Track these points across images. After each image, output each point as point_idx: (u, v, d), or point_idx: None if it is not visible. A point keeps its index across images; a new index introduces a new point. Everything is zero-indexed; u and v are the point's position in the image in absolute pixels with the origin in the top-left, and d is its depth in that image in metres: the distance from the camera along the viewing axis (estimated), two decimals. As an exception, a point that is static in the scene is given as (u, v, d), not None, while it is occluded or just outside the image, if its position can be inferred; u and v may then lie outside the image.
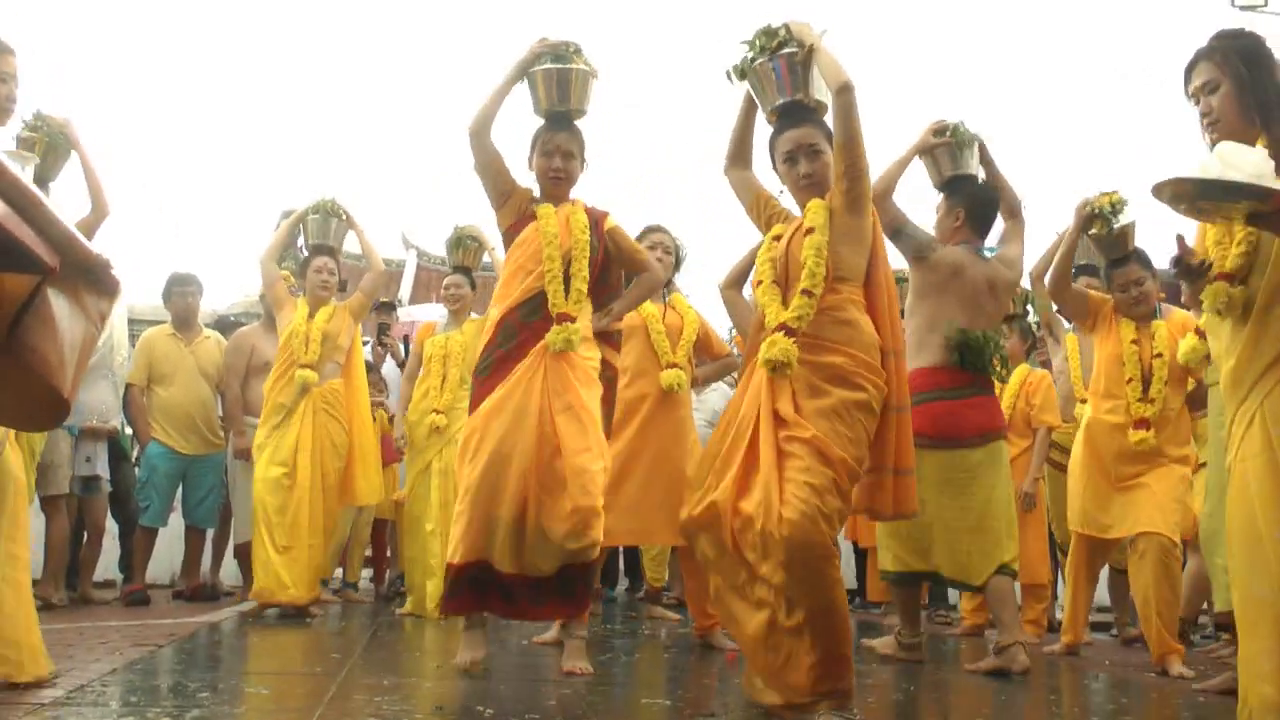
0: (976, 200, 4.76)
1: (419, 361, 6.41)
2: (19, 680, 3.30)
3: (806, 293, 3.23)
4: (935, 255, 4.62)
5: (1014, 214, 4.83)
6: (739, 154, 3.74)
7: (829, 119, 3.45)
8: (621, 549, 7.49)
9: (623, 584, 8.16)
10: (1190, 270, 2.94)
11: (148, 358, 6.89)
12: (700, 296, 5.42)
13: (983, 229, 4.78)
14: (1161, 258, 5.32)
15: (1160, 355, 4.82)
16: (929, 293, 4.60)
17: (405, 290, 19.60)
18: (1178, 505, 4.69)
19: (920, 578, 4.70)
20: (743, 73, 3.61)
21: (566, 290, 4.00)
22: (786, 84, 3.52)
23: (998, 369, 4.66)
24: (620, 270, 4.39)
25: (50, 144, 5.06)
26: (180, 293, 7.06)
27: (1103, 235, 4.92)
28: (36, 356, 1.71)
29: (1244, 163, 2.58)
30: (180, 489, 6.91)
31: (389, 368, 7.80)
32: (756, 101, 3.65)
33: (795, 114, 3.53)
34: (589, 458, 3.83)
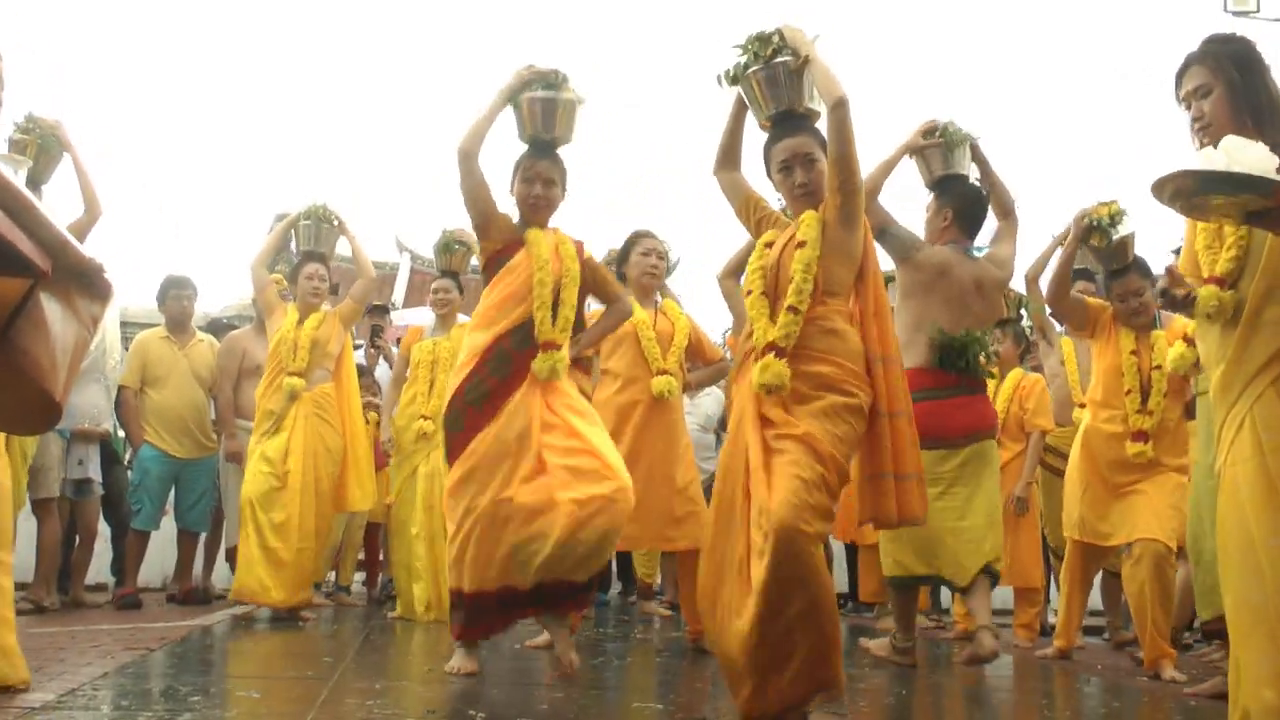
0: (965, 200, 4.76)
1: (405, 366, 6.41)
2: None
3: (792, 309, 3.25)
4: (920, 255, 4.61)
5: (1007, 213, 4.82)
6: (728, 156, 3.74)
7: (822, 125, 3.45)
8: (614, 553, 7.48)
9: (615, 588, 8.16)
10: (1175, 302, 2.96)
11: (141, 360, 6.88)
12: (700, 295, 5.42)
13: (972, 228, 4.77)
14: (1161, 259, 5.34)
15: (1159, 367, 4.81)
16: (914, 292, 4.59)
17: (399, 293, 19.64)
18: (1174, 512, 4.68)
19: (920, 581, 4.70)
20: (734, 78, 3.61)
21: (554, 318, 4.01)
22: (781, 93, 3.52)
23: (985, 368, 4.64)
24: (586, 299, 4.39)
25: (42, 146, 5.06)
26: (176, 296, 7.05)
27: (1102, 247, 4.92)
28: (28, 360, 1.71)
29: (1247, 157, 2.56)
30: (173, 492, 6.89)
31: (382, 370, 7.79)
32: (749, 107, 3.65)
33: (789, 122, 3.53)
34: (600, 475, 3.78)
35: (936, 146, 4.76)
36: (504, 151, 4.21)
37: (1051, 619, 6.31)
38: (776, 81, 3.52)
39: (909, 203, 4.93)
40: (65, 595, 6.49)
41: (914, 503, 3.34)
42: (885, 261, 4.40)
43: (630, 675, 4.52)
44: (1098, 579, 5.77)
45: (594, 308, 4.66)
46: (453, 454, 3.93)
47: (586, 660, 4.53)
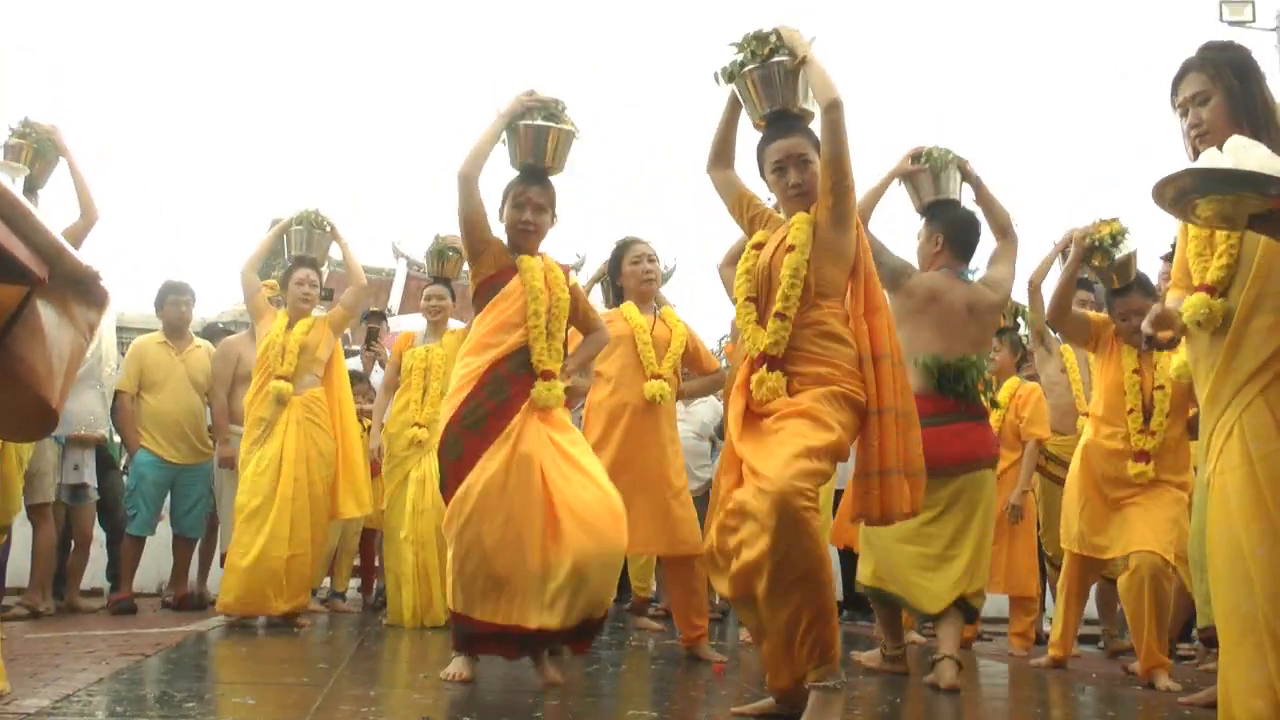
0: (955, 225, 4.74)
1: (396, 372, 6.41)
2: None
3: (780, 315, 3.29)
4: (910, 282, 4.59)
5: (1004, 233, 4.79)
6: (721, 154, 3.76)
7: (817, 126, 3.46)
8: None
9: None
10: (1156, 344, 2.97)
11: (138, 365, 6.87)
12: (700, 295, 5.41)
13: (964, 252, 4.74)
14: (1152, 264, 5.35)
15: (1162, 387, 4.78)
16: (905, 319, 4.54)
17: (395, 299, 19.64)
18: (1172, 525, 4.67)
19: (890, 598, 4.68)
20: (730, 77, 3.62)
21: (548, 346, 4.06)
22: (776, 93, 3.53)
23: (983, 393, 4.61)
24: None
25: (38, 151, 5.07)
26: (174, 301, 7.05)
27: (1104, 267, 4.92)
28: (25, 367, 1.71)
29: (1251, 157, 2.56)
30: (168, 498, 6.89)
31: (378, 376, 7.79)
32: (743, 105, 3.66)
33: (784, 123, 3.55)
34: (604, 504, 3.87)
35: (924, 172, 4.76)
36: (495, 177, 4.24)
37: (1046, 627, 6.32)
38: (772, 81, 3.53)
39: (900, 225, 4.94)
40: (60, 600, 6.49)
41: (895, 499, 3.33)
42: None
43: (625, 682, 4.52)
44: (1094, 587, 5.78)
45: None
46: (452, 481, 3.91)
47: (581, 667, 4.54)
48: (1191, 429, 4.86)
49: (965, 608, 4.44)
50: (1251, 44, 3.20)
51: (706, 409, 7.39)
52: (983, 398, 4.64)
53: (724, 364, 5.92)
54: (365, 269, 7.39)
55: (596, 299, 5.85)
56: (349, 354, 8.58)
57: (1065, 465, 5.40)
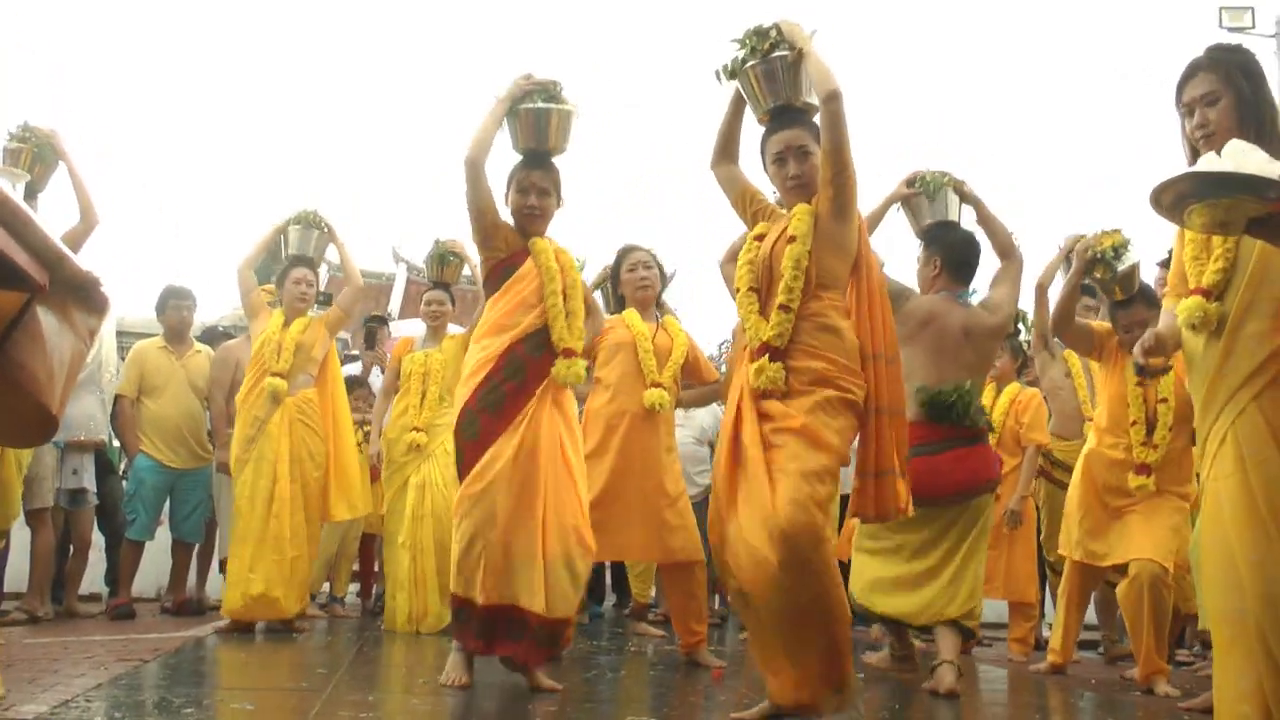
0: (952, 247, 4.73)
1: (395, 377, 6.40)
2: None
3: (784, 308, 3.29)
4: (907, 306, 4.55)
5: (1007, 253, 4.75)
6: (725, 150, 3.77)
7: (819, 119, 3.47)
8: (609, 565, 7.48)
9: (610, 599, 8.15)
10: (1149, 371, 2.98)
11: (139, 370, 6.87)
12: (701, 295, 5.40)
13: (962, 275, 4.72)
14: (1149, 270, 5.34)
15: (1165, 400, 4.75)
16: (901, 343, 4.51)
17: (395, 304, 19.65)
18: (1172, 534, 4.67)
19: (878, 619, 4.67)
20: (733, 73, 3.64)
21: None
22: (778, 87, 3.55)
23: (977, 420, 4.54)
24: None
25: (38, 155, 5.07)
26: (176, 306, 7.04)
27: (1106, 279, 4.91)
28: (25, 373, 1.72)
29: (1250, 161, 2.56)
30: (168, 503, 6.88)
31: (375, 378, 7.78)
32: (746, 101, 3.67)
33: (785, 116, 3.57)
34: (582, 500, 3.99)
35: (920, 195, 4.76)
36: (498, 162, 4.24)
37: (1046, 633, 6.31)
38: (774, 76, 3.55)
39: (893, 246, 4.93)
40: (59, 605, 6.48)
41: (890, 498, 3.35)
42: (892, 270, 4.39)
43: (623, 688, 4.52)
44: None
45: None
46: (469, 461, 3.93)
47: (580, 673, 4.54)
48: (1194, 438, 4.84)
49: (960, 627, 4.43)
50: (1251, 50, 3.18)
51: (706, 414, 7.38)
52: (978, 419, 4.57)
53: (723, 372, 5.91)
54: (365, 273, 7.40)
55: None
56: (348, 358, 8.59)
57: (1070, 470, 5.38)
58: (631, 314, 5.13)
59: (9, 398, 1.73)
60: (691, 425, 7.25)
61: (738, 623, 6.50)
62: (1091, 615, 6.18)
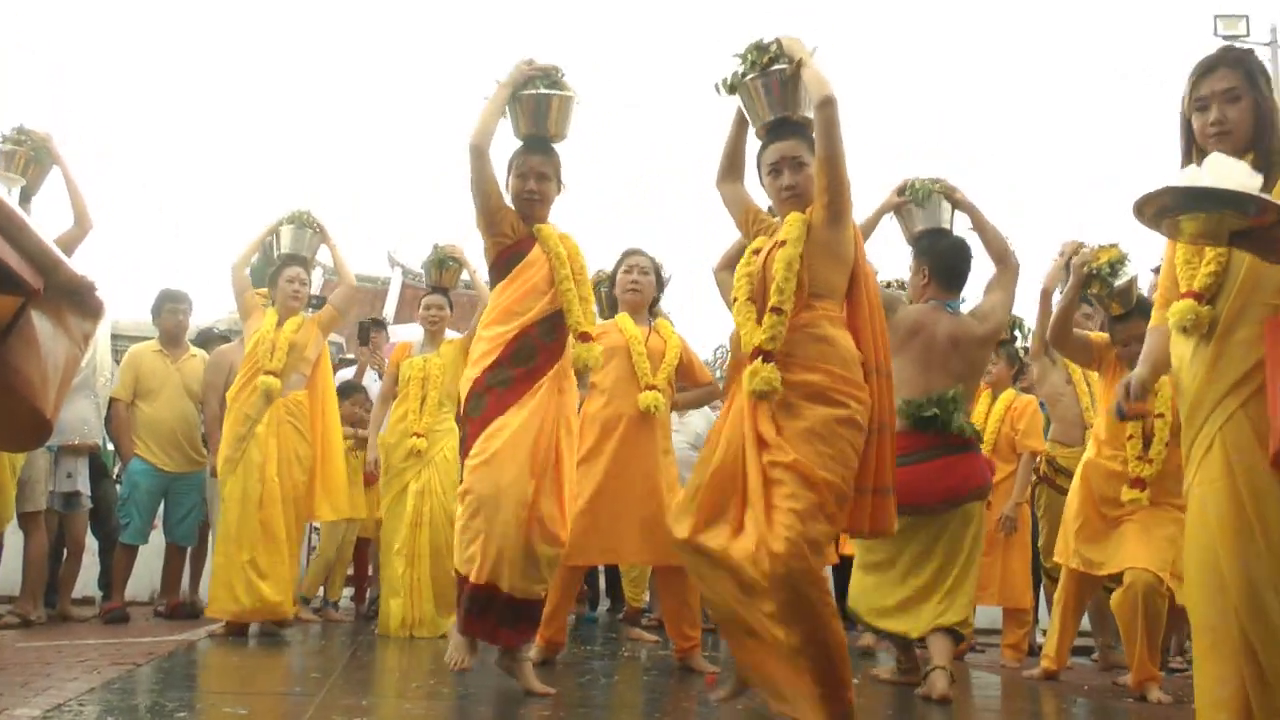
0: (940, 257, 4.73)
1: (394, 382, 6.39)
2: None
3: (776, 310, 3.25)
4: (895, 317, 4.54)
5: (1002, 259, 4.75)
6: (730, 168, 3.76)
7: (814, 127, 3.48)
8: (602, 569, 7.48)
9: (604, 604, 8.15)
10: (1131, 415, 2.99)
11: (134, 373, 6.86)
12: (700, 297, 5.36)
13: (951, 283, 4.73)
14: (1151, 269, 5.33)
15: (1162, 415, 4.72)
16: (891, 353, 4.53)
17: (390, 308, 19.62)
18: (1168, 544, 4.67)
19: (876, 632, 4.68)
20: (732, 87, 3.64)
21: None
22: (776, 100, 3.55)
23: (964, 428, 4.53)
24: None
25: (33, 158, 5.07)
26: (172, 310, 7.03)
27: (1103, 295, 4.92)
28: (19, 378, 1.72)
29: (1231, 175, 2.57)
30: (162, 506, 6.87)
31: (369, 380, 7.76)
32: (746, 115, 3.67)
33: (782, 128, 3.56)
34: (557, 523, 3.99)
35: (911, 203, 4.76)
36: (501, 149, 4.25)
37: (1039, 639, 6.32)
38: (771, 89, 3.55)
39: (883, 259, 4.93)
40: (52, 609, 6.47)
41: (886, 516, 3.35)
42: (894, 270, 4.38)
43: (617, 693, 4.52)
44: (1087, 599, 5.77)
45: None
46: (475, 436, 3.94)
47: (573, 678, 4.54)
48: None
49: (953, 635, 4.43)
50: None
51: (701, 419, 7.38)
52: (966, 428, 4.56)
53: (719, 378, 5.92)
54: (360, 277, 7.39)
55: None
56: (343, 362, 8.58)
57: (1072, 477, 5.38)
58: (624, 318, 5.14)
59: (3, 402, 1.74)
60: (686, 430, 7.25)
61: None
62: (1085, 622, 6.19)
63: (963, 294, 4.80)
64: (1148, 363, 3.14)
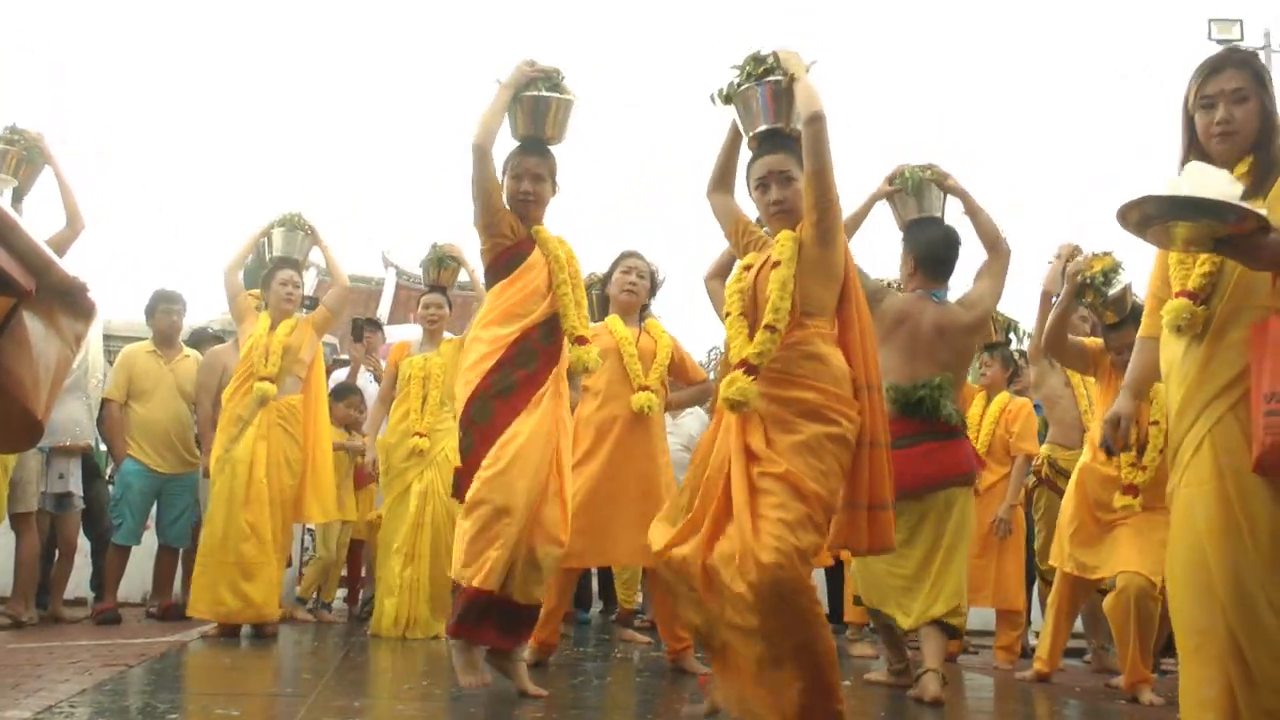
0: (925, 246, 4.73)
1: (393, 383, 6.39)
2: None
3: (770, 328, 3.22)
4: (881, 306, 4.56)
5: (994, 246, 4.73)
6: (722, 179, 3.75)
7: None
8: (595, 571, 7.48)
9: (596, 606, 8.15)
10: (1112, 451, 3.00)
11: (127, 374, 6.85)
12: (699, 298, 5.35)
13: (936, 272, 4.72)
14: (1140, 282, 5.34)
15: (1156, 423, 4.71)
16: (878, 343, 4.52)
17: (384, 309, 19.59)
18: (1162, 548, 4.64)
19: (880, 615, 4.68)
20: (728, 98, 3.63)
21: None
22: (769, 111, 3.53)
23: (950, 416, 4.52)
24: None
25: (26, 158, 5.06)
26: (166, 310, 7.02)
27: (1097, 304, 4.92)
28: (11, 379, 1.72)
29: (1211, 184, 2.58)
30: (154, 507, 6.86)
31: (364, 381, 7.75)
32: (739, 125, 3.67)
33: (772, 141, 3.54)
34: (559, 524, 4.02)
35: (903, 192, 4.75)
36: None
37: (1032, 641, 6.33)
38: (765, 100, 3.53)
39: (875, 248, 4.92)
40: (44, 610, 6.46)
41: (885, 532, 3.32)
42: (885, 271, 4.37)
43: (610, 695, 4.52)
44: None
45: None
46: (480, 445, 3.91)
47: (566, 680, 4.53)
48: None
49: (946, 627, 4.43)
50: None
51: (694, 421, 7.39)
52: (952, 416, 4.55)
53: (712, 376, 5.91)
54: (355, 278, 7.39)
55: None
56: (337, 363, 8.57)
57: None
58: (614, 320, 5.14)
59: (-6, 403, 1.73)
60: (680, 432, 7.25)
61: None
62: (1078, 624, 6.20)
63: (950, 282, 4.79)
64: (1130, 391, 3.18)
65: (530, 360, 4.00)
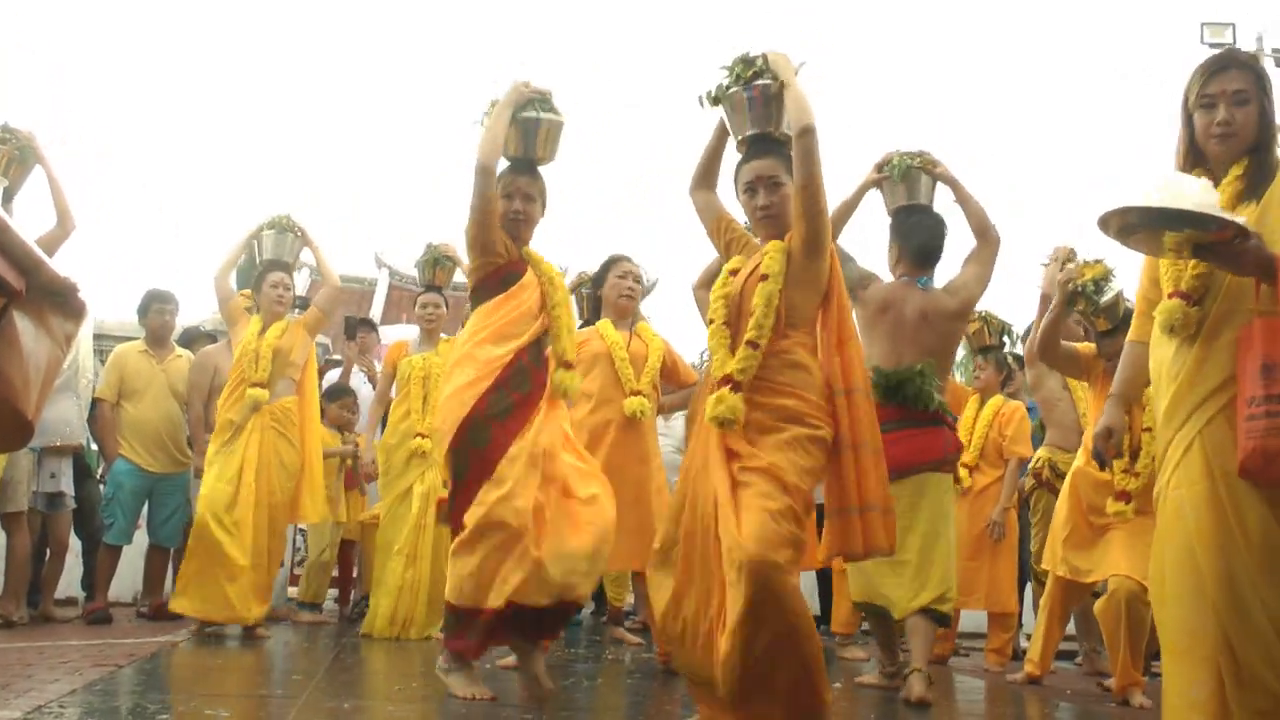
0: (910, 234, 4.74)
1: (390, 383, 6.38)
2: None
3: (752, 344, 3.24)
4: (866, 293, 4.60)
5: (982, 233, 4.74)
6: (705, 176, 3.76)
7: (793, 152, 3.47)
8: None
9: (587, 607, 8.14)
10: (1105, 463, 3.02)
11: (119, 373, 6.83)
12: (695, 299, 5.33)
13: (921, 260, 4.72)
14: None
15: (1149, 429, 4.69)
16: (862, 331, 4.49)
17: (377, 309, 19.61)
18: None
19: (877, 610, 4.68)
20: (716, 99, 3.63)
21: None
22: (758, 115, 3.54)
23: (930, 403, 4.51)
24: None
25: (17, 158, 5.04)
26: (158, 310, 7.01)
27: (1088, 312, 4.93)
28: (1, 379, 1.71)
29: (1188, 193, 2.59)
30: (146, 507, 6.85)
31: (357, 382, 7.74)
32: (728, 128, 3.67)
33: (761, 145, 3.55)
34: (605, 501, 3.97)
35: (890, 179, 4.76)
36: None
37: (1023, 643, 6.33)
38: (754, 103, 3.54)
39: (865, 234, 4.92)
40: (34, 609, 6.44)
41: (879, 535, 3.30)
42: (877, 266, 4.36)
43: (601, 696, 4.52)
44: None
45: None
46: (477, 467, 3.86)
47: (557, 681, 4.52)
48: None
49: (934, 615, 4.43)
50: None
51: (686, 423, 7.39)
52: (931, 403, 4.53)
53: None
54: (347, 279, 7.38)
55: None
56: (331, 364, 8.56)
57: None
58: (605, 324, 5.15)
59: (-16, 403, 1.73)
60: (672, 435, 7.26)
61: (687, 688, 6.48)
62: (1070, 627, 6.21)
63: (938, 270, 4.80)
64: (1118, 399, 3.20)
65: (523, 382, 3.98)
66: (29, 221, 5.16)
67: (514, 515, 3.78)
